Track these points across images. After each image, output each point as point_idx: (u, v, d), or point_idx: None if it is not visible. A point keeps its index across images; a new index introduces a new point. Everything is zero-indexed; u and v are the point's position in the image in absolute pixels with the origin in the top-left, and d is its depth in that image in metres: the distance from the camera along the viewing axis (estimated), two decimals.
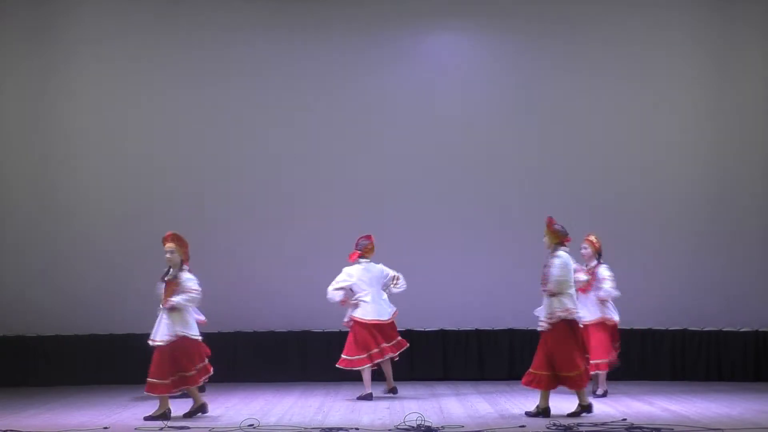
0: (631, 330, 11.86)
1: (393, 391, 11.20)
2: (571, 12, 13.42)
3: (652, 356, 12.98)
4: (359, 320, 11.08)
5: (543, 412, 9.48)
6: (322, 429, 8.77)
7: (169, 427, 9.04)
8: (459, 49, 13.72)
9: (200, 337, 9.81)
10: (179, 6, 13.59)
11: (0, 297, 13.15)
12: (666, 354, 13.04)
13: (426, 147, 13.40)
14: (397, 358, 11.27)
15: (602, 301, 10.89)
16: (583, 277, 10.65)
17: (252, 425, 8.92)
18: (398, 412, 9.75)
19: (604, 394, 10.98)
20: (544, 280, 9.45)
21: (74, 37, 13.49)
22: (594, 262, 11.07)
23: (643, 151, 13.31)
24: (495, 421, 9.25)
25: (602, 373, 10.95)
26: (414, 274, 12.58)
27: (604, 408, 10.07)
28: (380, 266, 11.31)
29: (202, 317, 10.51)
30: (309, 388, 12.24)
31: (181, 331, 9.53)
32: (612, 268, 11.18)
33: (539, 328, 9.52)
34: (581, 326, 9.60)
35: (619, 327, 11.17)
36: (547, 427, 8.72)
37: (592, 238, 11.14)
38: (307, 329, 13.17)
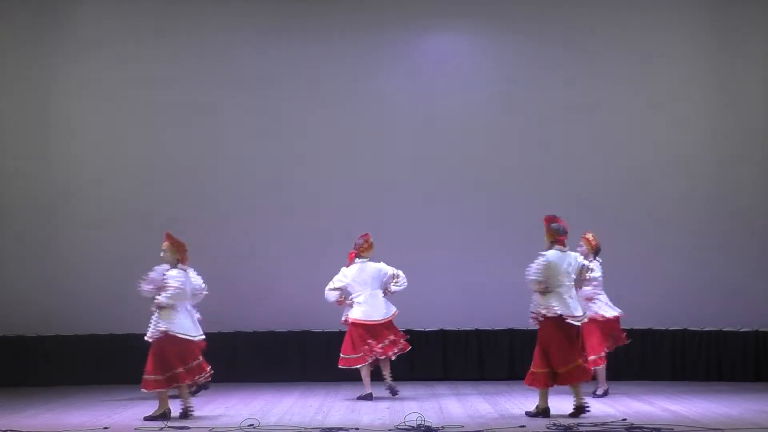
0: (631, 330, 11.84)
1: (392, 390, 11.12)
2: (570, 12, 13.43)
3: (652, 356, 12.97)
4: (352, 320, 11.12)
5: (542, 412, 9.48)
6: (322, 429, 8.77)
7: (169, 427, 9.04)
8: (458, 49, 13.72)
9: (192, 336, 9.68)
10: (179, 6, 13.59)
11: (0, 297, 13.15)
12: (666, 354, 13.04)
13: (426, 147, 13.40)
14: (393, 358, 11.19)
15: (587, 299, 10.91)
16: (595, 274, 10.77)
17: (252, 425, 8.92)
18: (398, 412, 9.74)
19: (605, 394, 10.97)
20: None
21: (74, 39, 13.50)
22: (589, 260, 11.08)
23: (643, 151, 13.32)
24: (495, 421, 9.25)
25: (600, 371, 10.92)
26: (414, 274, 12.57)
27: (604, 408, 10.07)
28: (378, 265, 11.26)
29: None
30: (309, 388, 12.24)
31: (165, 327, 9.53)
32: (611, 268, 11.20)
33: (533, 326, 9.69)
34: (574, 323, 9.52)
35: (620, 321, 11.16)
36: (547, 427, 8.71)
37: (589, 236, 11.13)
38: (307, 329, 13.17)
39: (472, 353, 13.31)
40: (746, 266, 12.97)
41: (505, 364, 13.13)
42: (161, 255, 9.84)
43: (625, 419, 9.15)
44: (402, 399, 11.06)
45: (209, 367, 9.86)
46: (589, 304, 10.77)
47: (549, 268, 9.48)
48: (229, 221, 13.27)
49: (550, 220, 9.65)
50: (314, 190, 13.39)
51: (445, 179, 13.40)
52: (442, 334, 13.36)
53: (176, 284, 9.61)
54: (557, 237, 9.58)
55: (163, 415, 9.51)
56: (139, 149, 13.49)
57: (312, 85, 13.51)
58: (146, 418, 9.54)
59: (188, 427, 9.01)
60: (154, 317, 9.69)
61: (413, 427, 8.71)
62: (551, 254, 9.55)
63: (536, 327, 9.60)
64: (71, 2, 13.61)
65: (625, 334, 11.23)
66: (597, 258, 11.05)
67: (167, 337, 9.54)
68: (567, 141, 13.36)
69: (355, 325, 11.08)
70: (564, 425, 8.73)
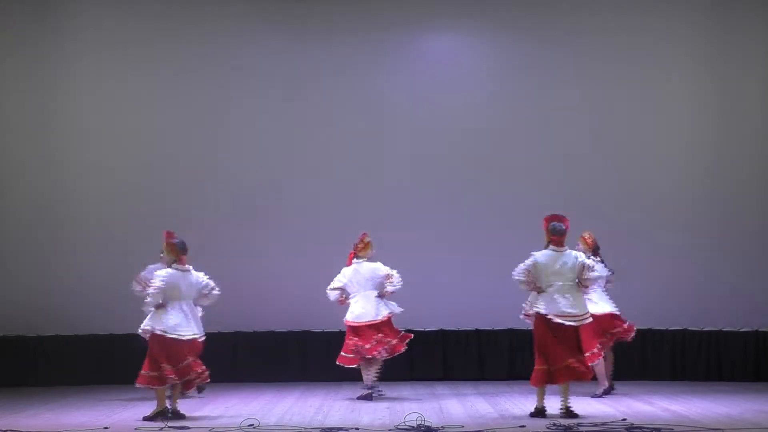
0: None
1: (370, 389, 10.99)
2: (570, 12, 13.44)
3: (652, 356, 12.98)
4: (346, 321, 11.14)
5: (537, 411, 9.47)
6: (322, 429, 8.77)
7: (169, 427, 9.03)
8: (458, 49, 13.74)
9: (179, 336, 9.54)
10: (179, 7, 13.60)
11: (0, 297, 13.15)
12: (666, 354, 13.05)
13: (426, 147, 13.41)
14: (381, 359, 11.05)
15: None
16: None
17: (252, 425, 8.91)
18: (398, 412, 9.74)
19: (604, 393, 10.95)
20: None
21: (74, 39, 13.51)
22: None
23: (643, 151, 13.32)
24: (495, 421, 9.25)
25: (598, 369, 10.86)
26: (414, 274, 12.59)
27: (604, 408, 10.07)
28: (373, 265, 11.19)
29: None
30: (309, 388, 12.24)
31: (148, 326, 9.57)
32: (608, 267, 11.24)
33: None
34: (561, 322, 9.46)
35: (616, 317, 11.15)
36: (547, 427, 8.71)
37: (585, 234, 11.14)
38: (307, 329, 13.18)
39: (472, 353, 13.32)
40: (746, 266, 12.98)
41: (505, 364, 13.13)
42: (161, 255, 9.87)
43: (625, 419, 9.15)
44: (402, 399, 11.06)
45: (201, 368, 9.65)
46: None
47: (535, 268, 9.51)
48: (229, 221, 13.27)
49: (549, 219, 9.67)
50: (314, 190, 13.40)
51: (445, 179, 13.41)
52: (442, 334, 13.36)
53: (156, 284, 9.61)
54: (551, 237, 9.60)
55: (161, 414, 9.50)
56: (139, 149, 13.50)
57: (312, 85, 13.51)
58: (145, 419, 9.54)
59: (188, 427, 9.00)
60: (149, 315, 9.72)
61: (413, 427, 8.71)
62: (539, 254, 9.58)
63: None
64: (71, 2, 13.61)
65: (626, 329, 11.16)
66: (596, 257, 11.06)
67: (152, 336, 9.57)
68: (567, 141, 13.37)
69: (347, 325, 11.12)
70: (564, 425, 8.73)
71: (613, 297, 11.25)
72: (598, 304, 10.96)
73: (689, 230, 13.15)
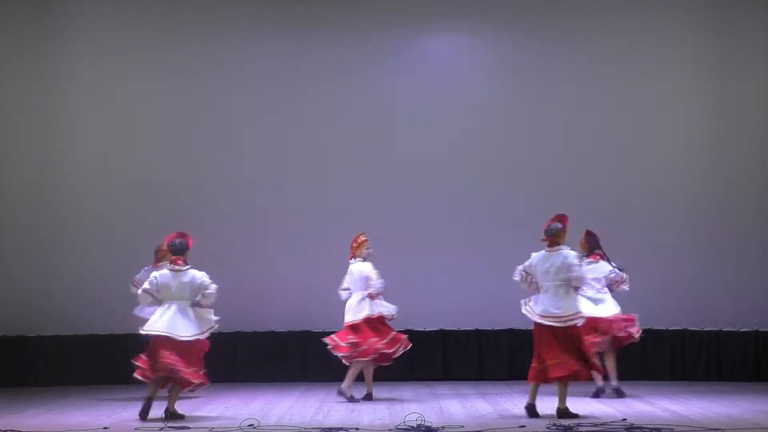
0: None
1: (339, 391, 10.95)
2: (570, 12, 13.44)
3: (652, 356, 12.98)
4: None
5: (525, 408, 9.50)
6: (322, 429, 8.77)
7: (169, 427, 9.03)
8: (458, 49, 13.74)
9: (154, 332, 9.58)
10: (179, 7, 13.60)
11: (0, 297, 13.15)
12: (666, 354, 13.05)
13: (426, 147, 13.41)
14: (350, 360, 10.94)
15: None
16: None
17: (252, 425, 8.91)
18: (398, 412, 9.74)
19: (597, 393, 10.92)
20: None
21: (74, 39, 13.51)
22: (581, 260, 11.13)
23: (643, 152, 13.33)
24: (495, 421, 9.25)
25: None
26: (414, 274, 12.63)
27: (604, 408, 10.07)
28: (361, 266, 11.01)
29: None
30: (309, 388, 12.24)
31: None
32: (616, 267, 11.25)
33: None
34: (546, 323, 9.47)
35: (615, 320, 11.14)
36: (547, 427, 8.71)
37: (582, 235, 11.16)
38: (307, 329, 13.16)
39: (472, 353, 13.32)
40: (746, 266, 12.98)
41: (505, 364, 13.13)
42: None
43: (625, 419, 9.15)
44: (402, 399, 11.06)
45: (186, 371, 9.48)
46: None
47: (531, 269, 9.63)
48: (229, 221, 13.28)
49: (550, 220, 9.69)
50: (315, 190, 13.40)
51: (445, 179, 13.41)
52: (442, 334, 13.36)
53: (144, 285, 9.90)
54: (544, 237, 9.64)
55: (148, 400, 9.55)
56: (139, 149, 13.50)
57: (312, 85, 13.51)
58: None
59: (188, 427, 9.00)
60: None
61: (413, 427, 8.71)
62: (535, 255, 9.66)
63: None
64: (72, 3, 13.61)
65: (624, 336, 11.15)
66: (593, 257, 11.05)
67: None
68: (567, 141, 13.37)
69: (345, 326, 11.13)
70: (564, 425, 8.73)
71: (620, 298, 11.22)
72: (597, 305, 10.96)
73: (689, 230, 13.15)
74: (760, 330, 12.92)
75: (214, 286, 9.76)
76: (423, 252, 13.11)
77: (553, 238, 9.59)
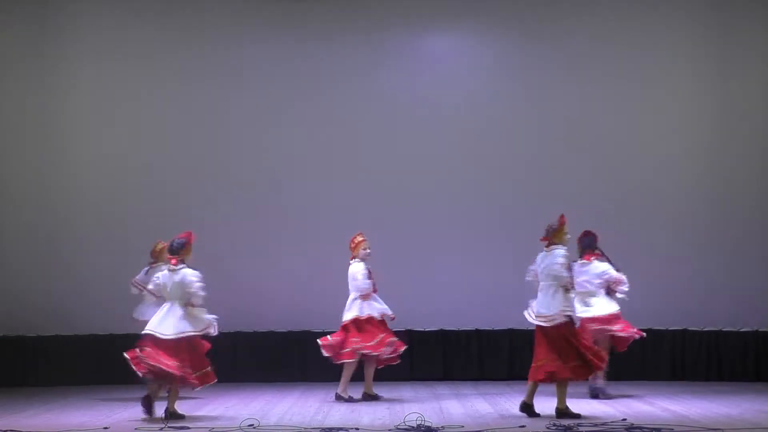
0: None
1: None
2: (570, 12, 13.44)
3: (652, 356, 12.98)
4: None
5: (520, 405, 9.56)
6: (322, 429, 8.77)
7: (169, 427, 9.03)
8: (458, 49, 13.74)
9: (145, 331, 9.71)
10: (179, 7, 13.60)
11: (0, 297, 13.16)
12: (666, 354, 13.05)
13: (426, 147, 13.41)
14: (336, 360, 10.97)
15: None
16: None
17: (252, 425, 8.91)
18: (398, 412, 9.75)
19: (595, 394, 10.91)
20: None
21: (74, 39, 13.52)
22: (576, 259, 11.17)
23: (644, 152, 13.33)
24: (495, 421, 9.25)
25: None
26: (414, 274, 12.64)
27: (604, 408, 10.07)
28: (354, 267, 11.01)
29: None
30: (309, 388, 12.24)
31: None
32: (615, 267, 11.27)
33: None
34: (535, 322, 9.55)
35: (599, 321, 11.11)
36: (547, 427, 8.72)
37: (579, 235, 11.19)
38: (307, 329, 13.15)
39: (472, 353, 13.31)
40: (746, 266, 12.98)
41: (505, 364, 13.12)
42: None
43: (625, 419, 9.16)
44: (402, 399, 11.06)
45: (174, 368, 9.46)
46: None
47: (535, 269, 9.73)
48: (229, 221, 13.28)
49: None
50: (315, 190, 13.40)
51: (445, 179, 13.41)
52: (442, 334, 13.36)
53: (149, 285, 10.28)
54: (542, 237, 9.69)
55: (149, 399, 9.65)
56: (139, 149, 13.50)
57: (313, 85, 13.51)
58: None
59: (188, 427, 9.00)
60: None
61: (413, 427, 8.71)
62: (538, 256, 9.74)
63: None
64: (72, 3, 13.60)
65: (618, 339, 11.12)
66: (586, 258, 11.05)
67: None
68: (567, 141, 13.37)
69: None
70: (564, 425, 8.73)
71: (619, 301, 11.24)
72: (585, 306, 10.96)
73: (689, 230, 13.15)
74: (760, 330, 12.92)
75: (197, 285, 9.63)
76: (423, 252, 13.12)
77: (550, 238, 9.61)
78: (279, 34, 13.59)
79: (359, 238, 11.13)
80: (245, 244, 13.23)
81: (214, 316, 9.74)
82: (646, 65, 13.32)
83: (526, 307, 9.66)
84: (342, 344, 10.85)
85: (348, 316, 10.92)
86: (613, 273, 11.10)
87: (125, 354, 9.75)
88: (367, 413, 9.89)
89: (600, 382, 10.92)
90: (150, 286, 10.34)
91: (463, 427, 8.83)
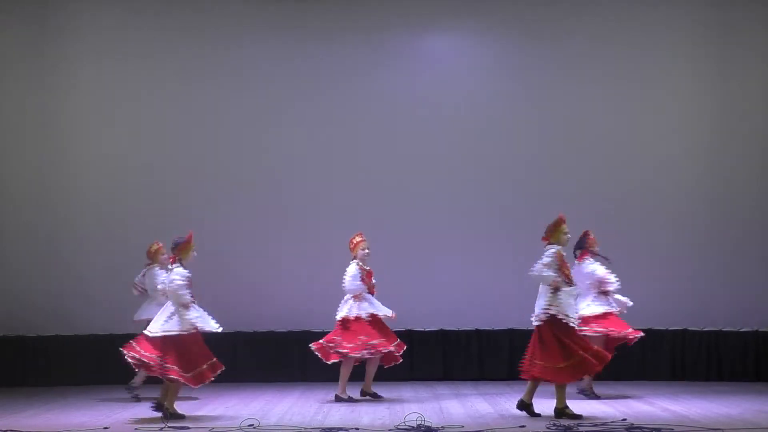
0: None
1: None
2: (571, 13, 13.44)
3: (652, 356, 12.97)
4: None
5: (517, 402, 9.62)
6: (322, 429, 8.77)
7: (169, 427, 9.03)
8: (459, 49, 13.74)
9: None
10: (179, 6, 13.60)
11: (0, 297, 13.15)
12: (666, 354, 13.05)
13: (427, 147, 13.41)
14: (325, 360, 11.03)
15: None
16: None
17: (252, 425, 8.92)
18: (398, 412, 9.75)
19: (587, 393, 10.91)
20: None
21: (74, 38, 13.51)
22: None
23: (644, 152, 13.33)
24: (495, 421, 9.25)
25: None
26: (414, 274, 12.63)
27: (604, 408, 10.07)
28: (348, 268, 11.04)
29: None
30: (309, 388, 12.24)
31: None
32: (611, 268, 11.26)
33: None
34: (535, 324, 9.60)
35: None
36: (547, 427, 8.72)
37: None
38: (307, 329, 13.15)
39: (472, 353, 13.31)
40: (746, 266, 12.98)
41: (505, 364, 13.10)
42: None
43: (625, 419, 9.16)
44: (402, 399, 11.06)
45: (138, 356, 9.64)
46: None
47: None
48: (229, 221, 13.28)
49: None
50: (314, 190, 13.40)
51: (445, 179, 13.41)
52: (442, 334, 13.36)
53: (159, 286, 10.46)
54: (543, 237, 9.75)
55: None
56: (139, 149, 13.50)
57: (312, 85, 13.51)
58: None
59: (188, 427, 9.00)
60: None
61: (413, 427, 8.71)
62: None
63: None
64: (72, 3, 13.60)
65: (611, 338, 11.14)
66: (579, 259, 11.07)
67: None
68: (567, 142, 13.37)
69: None
70: (564, 425, 8.73)
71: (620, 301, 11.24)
72: (584, 307, 10.98)
73: (689, 230, 13.15)
74: (760, 330, 12.92)
75: (176, 284, 9.61)
76: (423, 252, 13.12)
77: (547, 238, 9.62)
78: (279, 34, 13.59)
79: (358, 239, 11.13)
80: (245, 244, 13.23)
81: (195, 316, 9.65)
82: (646, 65, 13.32)
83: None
84: (325, 344, 10.93)
85: (338, 316, 10.97)
86: (599, 273, 11.07)
87: (121, 348, 9.83)
88: (367, 413, 9.89)
89: (585, 381, 10.89)
90: (160, 287, 10.70)
91: (463, 427, 8.83)
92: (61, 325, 13.16)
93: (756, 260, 12.99)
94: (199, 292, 9.90)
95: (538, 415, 9.46)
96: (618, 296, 11.21)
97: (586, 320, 10.91)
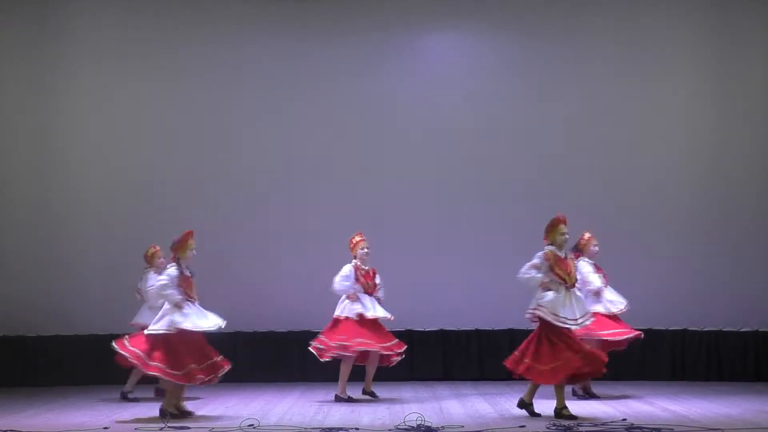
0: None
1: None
2: (571, 13, 13.45)
3: (652, 356, 12.98)
4: None
5: (518, 401, 9.65)
6: (322, 429, 8.77)
7: (169, 427, 9.03)
8: (459, 49, 13.74)
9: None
10: (178, 7, 13.60)
11: (0, 297, 13.16)
12: (666, 354, 13.05)
13: (427, 147, 13.42)
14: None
15: None
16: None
17: (252, 425, 8.91)
18: (398, 413, 9.74)
19: (581, 393, 10.92)
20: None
21: (74, 39, 13.52)
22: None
23: (645, 152, 13.33)
24: (495, 421, 9.25)
25: None
26: (414, 274, 12.63)
27: (604, 408, 10.07)
28: (343, 267, 11.15)
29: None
30: (309, 388, 12.24)
31: None
32: (611, 268, 11.29)
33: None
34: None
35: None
36: (547, 427, 8.71)
37: None
38: (307, 329, 13.14)
39: (472, 353, 13.31)
40: (746, 266, 12.98)
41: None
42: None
43: (625, 419, 9.15)
44: (402, 399, 11.06)
45: (128, 354, 9.86)
46: None
47: None
48: (230, 221, 13.28)
49: None
50: (314, 190, 13.40)
51: (445, 179, 13.41)
52: (442, 334, 13.36)
53: None
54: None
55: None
56: (139, 149, 13.51)
57: (312, 85, 13.51)
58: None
59: (188, 427, 9.00)
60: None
61: (413, 427, 8.71)
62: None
63: None
64: (72, 3, 13.60)
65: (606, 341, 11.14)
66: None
67: None
68: (567, 141, 13.37)
69: None
70: (564, 425, 8.73)
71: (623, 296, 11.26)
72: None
73: (689, 230, 13.15)
74: (760, 330, 12.92)
75: (158, 284, 9.77)
76: (423, 252, 13.12)
77: (546, 238, 9.61)
78: (279, 34, 13.59)
79: (357, 238, 11.15)
80: (245, 244, 13.23)
81: (173, 318, 9.60)
82: (647, 65, 13.32)
83: None
84: (317, 344, 10.99)
85: (334, 314, 11.03)
86: (583, 272, 10.95)
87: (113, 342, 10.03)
88: (367, 413, 9.89)
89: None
90: (149, 290, 10.85)
91: (463, 427, 8.83)
92: (61, 325, 13.16)
93: (756, 260, 12.99)
94: (199, 291, 9.90)
95: (538, 415, 9.46)
96: (611, 296, 11.18)
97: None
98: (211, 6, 13.59)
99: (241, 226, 13.27)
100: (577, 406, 9.68)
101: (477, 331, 13.34)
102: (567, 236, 9.62)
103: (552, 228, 9.56)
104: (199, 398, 11.24)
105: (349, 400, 10.88)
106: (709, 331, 13.04)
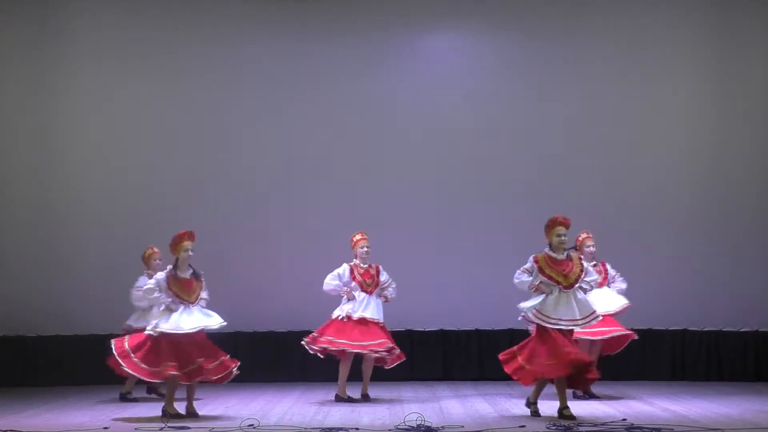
0: (632, 330, 11.85)
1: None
2: (571, 13, 13.45)
3: (652, 356, 12.98)
4: None
5: (526, 400, 9.69)
6: (322, 429, 8.77)
7: (169, 427, 9.03)
8: (459, 49, 13.75)
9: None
10: (178, 7, 13.60)
11: (0, 297, 13.16)
12: (666, 354, 13.06)
13: (427, 147, 13.42)
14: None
15: None
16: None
17: (252, 425, 8.91)
18: (398, 413, 9.74)
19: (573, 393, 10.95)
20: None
21: (74, 39, 13.53)
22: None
23: (645, 152, 13.34)
24: (495, 421, 9.24)
25: None
26: (414, 274, 12.60)
27: (604, 408, 10.07)
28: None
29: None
30: (309, 388, 12.24)
31: None
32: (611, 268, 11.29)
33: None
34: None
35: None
36: (547, 427, 8.71)
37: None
38: (307, 329, 13.12)
39: (472, 353, 13.32)
40: (746, 266, 12.99)
41: None
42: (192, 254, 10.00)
43: (625, 419, 9.15)
44: (402, 399, 11.06)
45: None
46: None
47: None
48: (229, 221, 13.28)
49: None
50: (314, 189, 13.41)
51: (445, 179, 13.41)
52: (442, 334, 13.36)
53: None
54: None
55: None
56: (139, 149, 13.51)
57: (312, 85, 13.52)
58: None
59: (188, 427, 9.00)
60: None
61: (413, 427, 8.70)
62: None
63: None
64: (71, 3, 13.61)
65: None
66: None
67: None
68: (567, 141, 13.37)
69: None
70: (564, 425, 8.73)
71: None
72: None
73: (689, 230, 13.15)
74: (760, 330, 12.93)
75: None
76: (423, 252, 13.12)
77: (546, 238, 9.61)
78: (279, 34, 13.59)
79: (357, 237, 11.14)
80: (245, 244, 13.23)
81: (156, 323, 9.60)
82: (647, 65, 13.33)
83: None
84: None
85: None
86: None
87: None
88: (367, 413, 9.89)
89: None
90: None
91: (463, 427, 8.83)
92: (61, 325, 13.16)
93: (756, 260, 13.00)
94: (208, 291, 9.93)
95: (539, 415, 9.45)
96: (609, 297, 11.18)
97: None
98: (211, 6, 13.60)
99: (241, 226, 13.27)
100: (577, 406, 9.68)
101: (477, 331, 13.34)
102: (563, 237, 9.44)
103: (548, 229, 9.51)
104: (199, 398, 11.22)
105: (349, 400, 10.88)
106: (709, 331, 13.04)
